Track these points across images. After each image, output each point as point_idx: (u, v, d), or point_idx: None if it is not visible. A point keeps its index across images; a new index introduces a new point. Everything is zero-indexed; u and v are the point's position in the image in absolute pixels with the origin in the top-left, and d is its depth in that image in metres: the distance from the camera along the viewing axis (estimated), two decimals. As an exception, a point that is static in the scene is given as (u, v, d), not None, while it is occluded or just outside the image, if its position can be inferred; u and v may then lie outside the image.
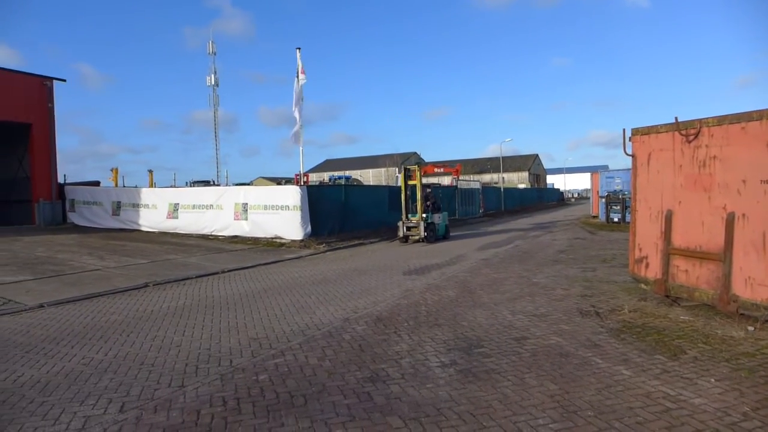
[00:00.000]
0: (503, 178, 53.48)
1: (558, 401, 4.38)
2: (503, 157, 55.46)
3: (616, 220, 24.69)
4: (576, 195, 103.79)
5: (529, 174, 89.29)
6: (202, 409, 4.38)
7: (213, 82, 57.92)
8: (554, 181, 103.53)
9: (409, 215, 18.30)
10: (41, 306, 8.72)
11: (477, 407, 4.29)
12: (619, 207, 24.74)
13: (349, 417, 4.14)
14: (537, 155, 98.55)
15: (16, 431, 4.05)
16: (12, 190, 25.68)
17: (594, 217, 30.05)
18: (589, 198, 43.92)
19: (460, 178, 38.44)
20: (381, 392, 4.64)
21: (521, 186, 68.45)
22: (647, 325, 6.66)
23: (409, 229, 18.19)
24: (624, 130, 8.46)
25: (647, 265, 8.07)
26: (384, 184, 58.01)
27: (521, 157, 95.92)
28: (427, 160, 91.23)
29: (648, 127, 8.10)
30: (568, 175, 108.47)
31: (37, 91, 23.92)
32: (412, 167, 18.39)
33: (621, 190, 25.53)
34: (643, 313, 7.27)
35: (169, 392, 4.78)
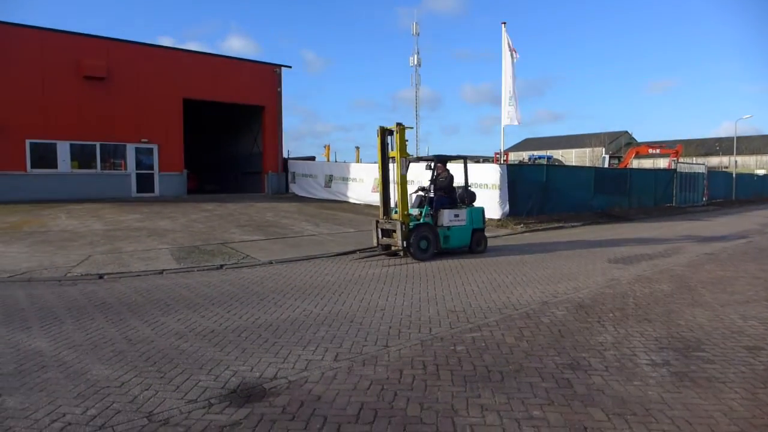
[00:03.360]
0: (736, 161, 45.76)
1: (804, 426, 3.70)
2: (738, 137, 47.36)
3: None
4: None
5: (772, 157, 74.91)
6: (404, 369, 4.69)
7: (415, 63, 60.08)
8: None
9: (391, 211, 11.16)
10: (270, 263, 10.19)
11: (694, 415, 3.84)
12: None
13: (547, 401, 4.05)
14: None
15: (256, 362, 4.84)
16: (248, 163, 30.24)
17: None
18: None
19: (680, 160, 34.14)
20: (582, 381, 4.43)
21: (760, 172, 57.86)
22: None
23: (386, 234, 10.99)
24: None
25: None
26: (588, 165, 54.19)
27: (762, 137, 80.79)
28: (640, 140, 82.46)
29: None
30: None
31: (269, 77, 27.63)
32: (390, 126, 10.68)
33: None
34: None
35: (375, 350, 5.22)
